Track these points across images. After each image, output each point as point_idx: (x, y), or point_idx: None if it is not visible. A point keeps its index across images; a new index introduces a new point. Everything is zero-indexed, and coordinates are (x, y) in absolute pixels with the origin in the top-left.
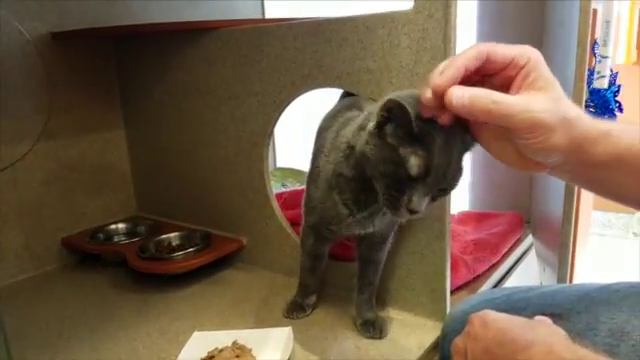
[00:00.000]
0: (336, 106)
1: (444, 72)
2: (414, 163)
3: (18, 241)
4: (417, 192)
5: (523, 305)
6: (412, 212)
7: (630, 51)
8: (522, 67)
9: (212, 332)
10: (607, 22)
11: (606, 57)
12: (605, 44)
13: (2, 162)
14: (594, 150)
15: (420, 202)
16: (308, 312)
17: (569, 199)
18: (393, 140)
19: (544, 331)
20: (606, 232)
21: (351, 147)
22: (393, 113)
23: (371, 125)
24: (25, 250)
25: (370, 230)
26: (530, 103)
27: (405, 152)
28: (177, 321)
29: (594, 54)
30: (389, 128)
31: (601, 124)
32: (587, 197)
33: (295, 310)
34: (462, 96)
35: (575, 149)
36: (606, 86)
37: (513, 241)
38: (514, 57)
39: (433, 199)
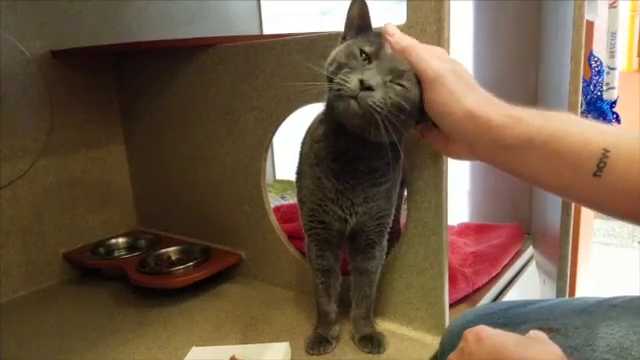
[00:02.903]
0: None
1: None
2: (367, 42)
3: (20, 256)
4: (370, 69)
5: (521, 319)
6: (364, 85)
7: (631, 59)
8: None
9: (210, 347)
10: (613, 34)
11: (614, 69)
12: (613, 55)
13: (4, 179)
14: (503, 133)
15: (372, 75)
16: (334, 345)
17: (566, 210)
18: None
19: (538, 349)
20: (611, 241)
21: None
22: (353, 11)
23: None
24: (27, 265)
25: (358, 213)
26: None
27: (360, 39)
28: (176, 335)
29: (590, 65)
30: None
31: (513, 111)
32: None
33: (320, 343)
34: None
35: (484, 132)
36: (615, 98)
37: (513, 253)
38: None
39: (385, 84)
